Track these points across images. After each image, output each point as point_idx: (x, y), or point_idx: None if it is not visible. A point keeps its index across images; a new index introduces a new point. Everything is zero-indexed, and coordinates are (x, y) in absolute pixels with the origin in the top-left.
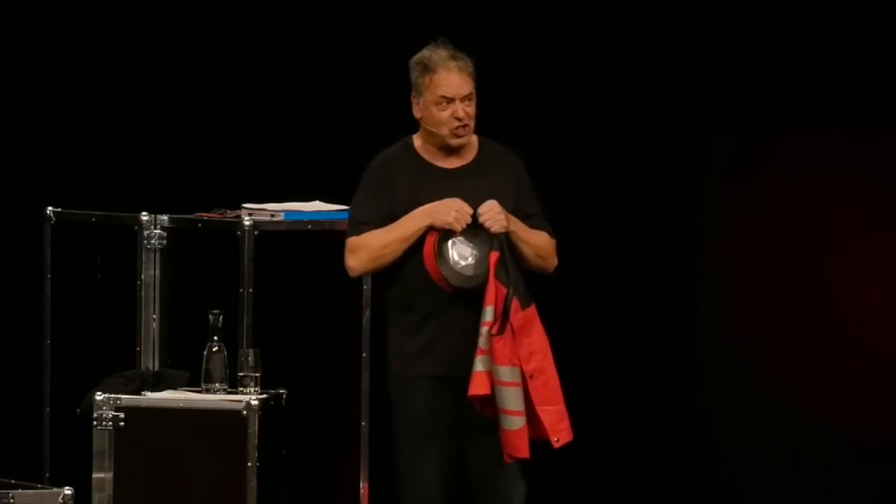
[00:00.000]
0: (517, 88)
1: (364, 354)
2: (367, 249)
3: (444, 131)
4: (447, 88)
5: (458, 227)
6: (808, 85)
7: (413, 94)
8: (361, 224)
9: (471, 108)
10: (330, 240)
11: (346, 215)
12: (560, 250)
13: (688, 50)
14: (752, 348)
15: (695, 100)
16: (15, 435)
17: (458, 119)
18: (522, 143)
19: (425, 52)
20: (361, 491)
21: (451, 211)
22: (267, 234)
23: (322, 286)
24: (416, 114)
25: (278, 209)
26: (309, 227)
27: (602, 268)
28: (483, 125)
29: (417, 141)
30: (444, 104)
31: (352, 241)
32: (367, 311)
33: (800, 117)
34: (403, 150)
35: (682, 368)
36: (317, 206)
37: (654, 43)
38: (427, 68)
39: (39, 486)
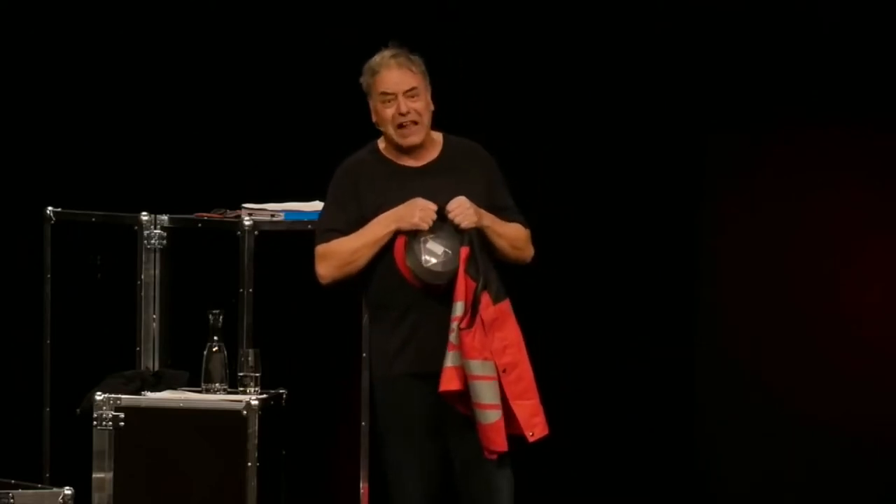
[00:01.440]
0: (518, 89)
1: (364, 354)
2: (336, 256)
3: (391, 129)
4: (387, 85)
5: (425, 226)
6: (808, 85)
7: (369, 99)
8: (329, 231)
9: (417, 104)
10: None
11: None
12: (560, 250)
13: (688, 50)
14: (752, 348)
15: (695, 100)
16: (15, 435)
17: (402, 114)
18: (523, 143)
19: (374, 57)
20: (361, 491)
21: (415, 211)
22: (267, 234)
23: (322, 286)
24: (373, 118)
25: (278, 209)
26: (309, 227)
27: (602, 268)
28: (484, 126)
29: (382, 143)
30: (388, 101)
31: (320, 249)
32: (367, 312)
33: (800, 117)
34: (369, 152)
35: (682, 368)
36: (317, 206)
37: (655, 43)
38: (372, 70)
39: (39, 486)
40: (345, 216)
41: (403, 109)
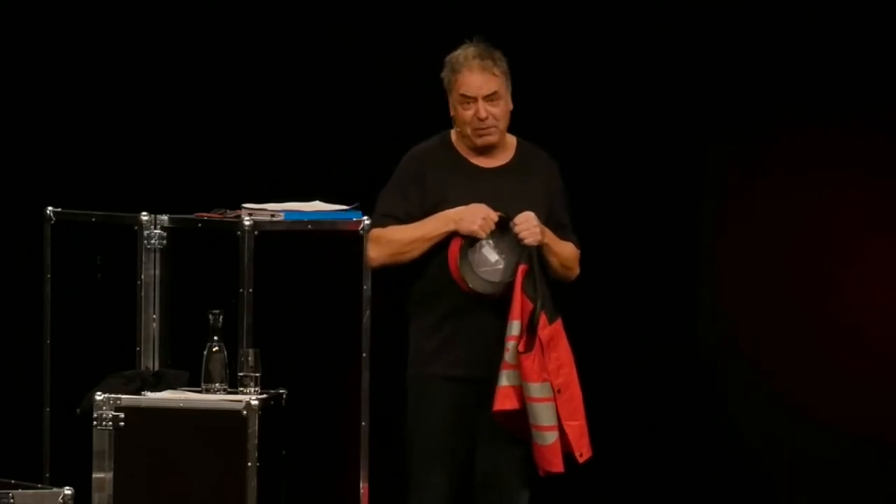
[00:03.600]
0: (518, 91)
1: (364, 354)
2: (391, 244)
3: (468, 131)
4: (467, 88)
5: (483, 234)
6: (807, 86)
7: (448, 93)
8: (387, 216)
9: (496, 109)
10: (330, 240)
11: (346, 215)
12: None
13: (688, 51)
14: (752, 348)
15: (695, 101)
16: (15, 435)
17: (480, 119)
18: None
19: (457, 51)
20: (361, 491)
21: (476, 218)
22: (267, 234)
23: (322, 286)
24: (451, 112)
25: (278, 209)
26: (309, 227)
27: (602, 269)
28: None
29: (454, 135)
30: (467, 104)
31: (376, 233)
32: (367, 311)
33: (800, 118)
34: (440, 143)
35: (682, 369)
36: (317, 206)
37: (654, 45)
38: (453, 68)
39: (39, 486)
40: (405, 204)
41: (482, 115)
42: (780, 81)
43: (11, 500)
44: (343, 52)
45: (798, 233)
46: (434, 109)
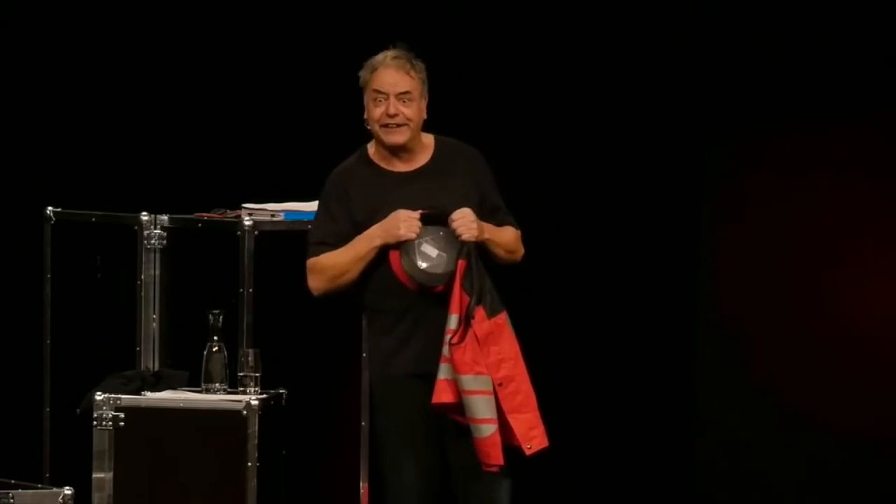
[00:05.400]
0: (518, 92)
1: (364, 354)
2: (326, 271)
3: (377, 128)
4: (381, 83)
5: (412, 235)
6: (808, 86)
7: (364, 95)
8: (318, 245)
9: (407, 109)
10: None
11: None
12: (559, 254)
13: (688, 51)
14: (753, 349)
15: (695, 102)
16: (15, 435)
17: (390, 115)
18: (522, 147)
19: (377, 55)
20: (361, 491)
21: (398, 224)
22: (267, 234)
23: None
24: (364, 114)
25: (278, 209)
26: (309, 227)
27: (603, 268)
28: (488, 128)
29: (371, 148)
30: (379, 100)
31: (310, 263)
32: (365, 315)
33: (800, 118)
34: (357, 159)
35: (682, 369)
36: (317, 206)
37: (655, 44)
38: (371, 67)
39: (39, 486)
40: (335, 228)
41: (391, 111)
42: (781, 82)
43: (11, 500)
44: (343, 52)
45: (798, 233)
46: (434, 109)
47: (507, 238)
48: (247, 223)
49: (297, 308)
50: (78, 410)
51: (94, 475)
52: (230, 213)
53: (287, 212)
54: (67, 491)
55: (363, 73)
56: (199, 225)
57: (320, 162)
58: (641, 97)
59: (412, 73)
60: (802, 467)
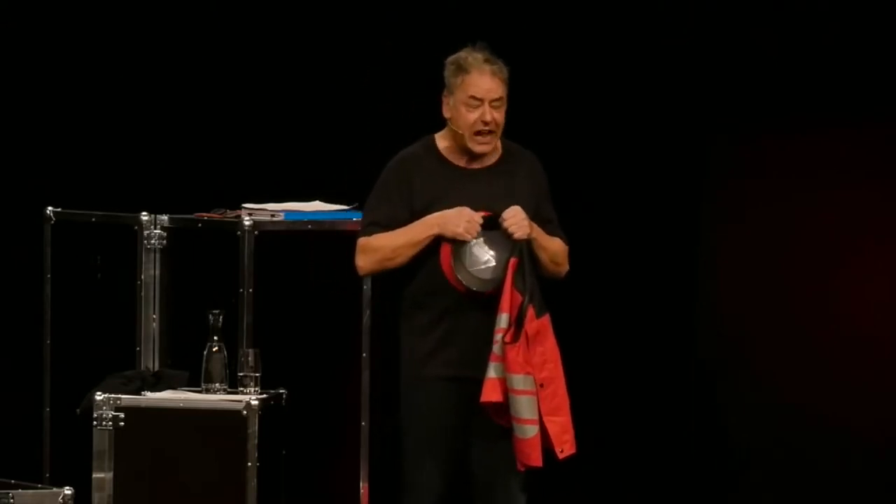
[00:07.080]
0: (517, 92)
1: (364, 354)
2: (377, 252)
3: (469, 133)
4: (478, 90)
5: (469, 237)
6: (808, 86)
7: (445, 92)
8: (372, 225)
9: (499, 115)
10: (330, 240)
11: (346, 215)
12: None
13: (689, 51)
14: (753, 348)
15: (696, 101)
16: (15, 435)
17: (485, 122)
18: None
19: (462, 53)
20: (361, 491)
21: (460, 221)
22: (267, 234)
23: (322, 286)
24: (446, 113)
25: (278, 209)
26: (309, 227)
27: (602, 270)
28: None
29: (441, 141)
30: (473, 106)
31: (362, 242)
32: (367, 311)
33: (800, 118)
34: (424, 148)
35: (682, 369)
36: (317, 206)
37: (656, 45)
38: (461, 68)
39: (39, 486)
40: (390, 210)
41: (488, 118)
42: (781, 81)
43: (11, 500)
44: (343, 52)
45: (798, 233)
46: (434, 110)
47: (554, 247)
48: (247, 223)
49: (297, 308)
50: (78, 410)
51: (94, 475)
52: (230, 213)
53: (287, 212)
54: (67, 491)
55: (450, 74)
56: (199, 225)
57: (320, 162)
58: (641, 97)
59: (502, 77)
60: (802, 467)
